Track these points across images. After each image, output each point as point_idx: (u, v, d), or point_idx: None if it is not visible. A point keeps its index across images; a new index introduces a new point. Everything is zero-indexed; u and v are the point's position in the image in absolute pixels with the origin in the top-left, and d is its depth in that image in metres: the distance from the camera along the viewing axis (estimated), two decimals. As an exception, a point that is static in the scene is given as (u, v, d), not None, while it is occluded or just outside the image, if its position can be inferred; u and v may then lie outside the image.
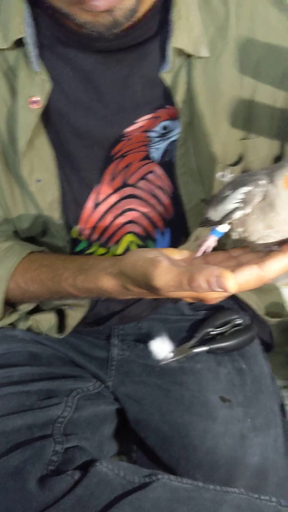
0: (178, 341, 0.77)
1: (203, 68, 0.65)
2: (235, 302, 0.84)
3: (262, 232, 0.51)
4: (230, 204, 0.51)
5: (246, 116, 0.69)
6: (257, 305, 0.86)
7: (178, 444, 0.70)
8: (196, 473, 0.68)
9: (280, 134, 0.70)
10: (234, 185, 0.52)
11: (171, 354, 0.76)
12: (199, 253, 0.54)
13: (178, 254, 0.55)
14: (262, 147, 0.71)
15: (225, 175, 0.56)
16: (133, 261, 0.52)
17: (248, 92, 0.67)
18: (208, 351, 0.77)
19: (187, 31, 0.63)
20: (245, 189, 0.50)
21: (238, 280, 0.48)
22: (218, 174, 0.61)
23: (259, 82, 0.67)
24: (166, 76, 0.65)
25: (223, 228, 0.53)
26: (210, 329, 0.79)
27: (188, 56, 0.64)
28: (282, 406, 0.78)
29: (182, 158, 0.68)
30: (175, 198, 0.73)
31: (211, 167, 0.70)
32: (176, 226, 0.75)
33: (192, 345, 0.77)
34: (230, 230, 0.53)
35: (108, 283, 0.57)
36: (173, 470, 0.69)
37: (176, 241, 0.76)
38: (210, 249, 0.54)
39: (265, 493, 0.65)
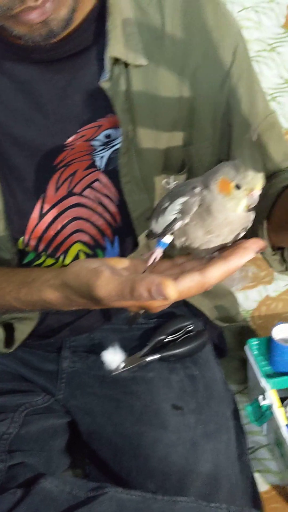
0: (131, 350, 0.77)
1: (142, 76, 0.65)
2: (187, 309, 0.84)
3: (203, 238, 0.51)
4: (169, 215, 0.51)
5: (188, 123, 0.69)
6: (210, 310, 0.86)
7: (129, 454, 0.69)
8: (148, 482, 0.67)
9: (225, 140, 0.71)
10: (171, 196, 0.52)
11: (123, 364, 0.75)
12: (148, 267, 0.54)
13: (122, 263, 0.55)
14: (205, 154, 0.71)
15: (169, 183, 0.55)
16: (75, 272, 0.52)
17: (188, 99, 0.68)
18: (160, 359, 0.76)
19: (123, 40, 0.63)
20: (181, 199, 0.50)
21: (180, 288, 0.47)
22: (163, 182, 0.61)
23: (199, 89, 0.68)
24: (105, 85, 0.64)
25: (167, 239, 0.53)
26: (162, 337, 0.78)
27: (126, 64, 0.64)
28: (236, 411, 0.77)
29: (126, 167, 0.68)
30: (122, 206, 0.72)
31: (154, 175, 0.70)
32: (125, 234, 0.75)
33: (144, 353, 0.77)
34: (173, 240, 0.53)
35: (51, 295, 0.56)
36: (125, 481, 0.68)
37: (126, 249, 0.75)
38: (157, 260, 0.54)
39: (217, 499, 0.64)
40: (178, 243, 0.53)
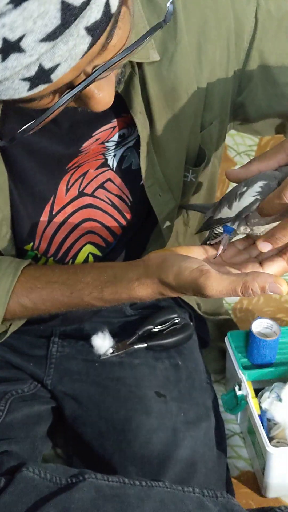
0: (119, 338, 0.76)
1: (156, 73, 0.61)
2: (174, 301, 0.83)
3: (271, 223, 0.52)
4: (248, 197, 0.52)
5: (203, 108, 0.66)
6: (197, 303, 0.85)
7: (113, 438, 0.69)
8: (129, 466, 0.67)
9: (231, 115, 0.70)
10: (247, 182, 0.53)
11: (112, 350, 0.75)
12: (220, 252, 0.55)
13: (192, 252, 0.56)
14: (214, 132, 0.69)
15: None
16: (175, 271, 0.52)
17: (206, 86, 0.64)
18: (147, 348, 0.76)
19: (134, 38, 0.60)
20: (261, 183, 0.52)
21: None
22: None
23: (215, 70, 0.64)
24: (117, 86, 0.61)
25: (235, 224, 0.54)
26: (150, 327, 0.78)
27: (139, 63, 0.61)
28: (216, 400, 0.78)
29: (148, 170, 0.65)
30: (134, 206, 0.69)
31: (177, 173, 0.68)
32: (134, 234, 0.72)
33: (132, 341, 0.76)
34: (238, 226, 0.54)
35: (143, 292, 0.56)
36: (107, 464, 0.68)
37: (135, 251, 0.73)
38: (226, 246, 0.56)
39: (193, 483, 0.65)
40: (242, 229, 0.54)
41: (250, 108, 0.70)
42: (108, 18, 0.40)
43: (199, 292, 0.50)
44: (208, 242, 0.59)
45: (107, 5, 0.40)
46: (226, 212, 0.55)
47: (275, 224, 0.52)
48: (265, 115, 0.71)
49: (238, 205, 0.53)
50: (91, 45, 0.40)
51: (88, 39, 0.40)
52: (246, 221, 0.53)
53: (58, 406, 0.75)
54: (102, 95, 0.47)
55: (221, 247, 0.55)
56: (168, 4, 0.46)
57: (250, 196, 0.52)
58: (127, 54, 0.44)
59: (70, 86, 0.44)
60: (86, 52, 0.41)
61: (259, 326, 0.82)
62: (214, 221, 0.57)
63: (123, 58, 0.44)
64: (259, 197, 0.51)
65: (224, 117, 0.69)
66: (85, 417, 0.71)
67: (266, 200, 0.50)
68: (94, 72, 0.43)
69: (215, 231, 0.58)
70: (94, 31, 0.40)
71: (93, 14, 0.39)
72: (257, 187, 0.51)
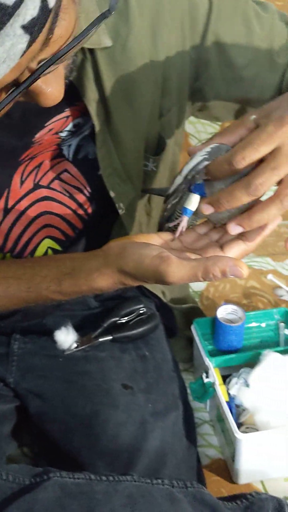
0: (83, 331, 0.74)
1: (109, 59, 0.59)
2: (140, 291, 0.82)
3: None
4: (197, 157, 0.52)
5: (161, 94, 0.64)
6: (163, 292, 0.84)
7: (80, 434, 0.68)
8: (98, 461, 0.66)
9: (189, 100, 0.68)
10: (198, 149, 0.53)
11: (76, 344, 0.73)
12: (177, 234, 0.55)
13: (152, 239, 0.55)
14: (173, 119, 0.68)
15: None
16: (135, 260, 0.51)
17: (162, 71, 0.63)
18: (112, 340, 0.75)
19: (84, 23, 0.57)
20: (213, 144, 0.51)
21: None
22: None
23: (171, 55, 0.63)
24: (70, 75, 0.58)
25: (193, 204, 0.53)
26: (115, 319, 0.76)
27: (90, 49, 0.58)
28: (184, 389, 0.77)
29: (105, 159, 0.63)
30: (93, 196, 0.67)
31: (136, 162, 0.66)
32: (95, 225, 0.70)
33: (97, 334, 0.74)
34: (197, 209, 0.53)
35: (104, 283, 0.55)
36: (75, 460, 0.66)
37: (97, 243, 0.71)
38: (184, 229, 0.55)
39: (164, 475, 0.64)
40: (201, 214, 0.53)
41: (208, 93, 0.69)
42: (46, 14, 0.38)
43: (161, 280, 0.49)
44: (166, 225, 0.57)
45: (43, 0, 0.38)
46: (177, 180, 0.54)
47: (233, 209, 0.51)
48: (224, 99, 0.70)
49: (187, 167, 0.52)
50: (30, 43, 0.38)
51: (26, 38, 0.37)
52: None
53: (22, 405, 0.72)
54: (51, 90, 0.45)
55: (179, 229, 0.54)
56: None
57: (198, 156, 0.51)
58: (71, 49, 0.42)
59: (16, 83, 0.42)
60: (25, 51, 0.38)
61: (224, 312, 0.82)
62: (169, 196, 0.56)
63: (67, 52, 0.42)
64: (206, 157, 0.51)
65: (182, 103, 0.68)
66: (51, 414, 0.69)
67: (216, 161, 0.49)
68: (38, 68, 0.41)
69: (176, 216, 0.57)
70: (32, 28, 0.37)
71: (29, 11, 0.37)
72: (208, 148, 0.51)
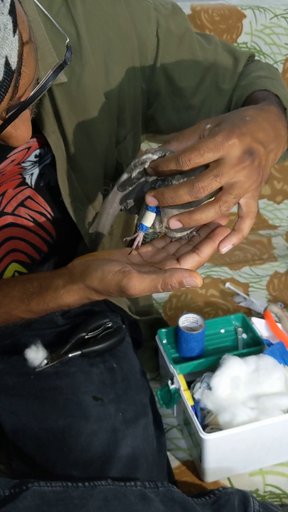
0: (53, 348, 0.77)
1: (65, 94, 0.63)
2: (106, 305, 0.86)
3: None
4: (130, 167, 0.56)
5: (116, 124, 0.69)
6: (128, 305, 0.88)
7: (54, 447, 0.70)
8: (73, 471, 0.69)
9: (143, 128, 0.73)
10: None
11: (46, 361, 0.76)
12: (133, 249, 0.58)
13: (112, 255, 0.58)
14: (129, 145, 0.72)
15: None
16: (99, 276, 0.54)
17: (116, 102, 0.67)
18: (81, 355, 0.78)
19: (40, 61, 0.61)
20: (161, 147, 0.56)
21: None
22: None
23: (124, 86, 0.67)
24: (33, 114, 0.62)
25: (149, 222, 0.57)
26: (83, 334, 0.80)
27: None
28: (152, 397, 0.81)
29: (66, 186, 0.66)
30: (57, 221, 0.70)
31: (96, 188, 0.69)
32: (61, 248, 0.73)
33: (66, 350, 0.78)
34: (153, 225, 0.57)
35: (70, 299, 0.58)
36: (51, 472, 0.69)
37: (62, 263, 0.73)
38: (140, 244, 0.58)
39: (136, 478, 0.68)
40: (158, 227, 0.57)
41: (160, 121, 0.74)
42: (10, 76, 0.43)
43: (123, 293, 0.53)
44: (124, 239, 0.61)
45: (7, 65, 0.42)
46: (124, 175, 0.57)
47: (187, 228, 0.55)
48: (175, 126, 0.75)
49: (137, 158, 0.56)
50: None
51: None
52: (161, 217, 0.56)
53: (-4, 422, 0.75)
54: (19, 132, 0.49)
55: (135, 244, 0.58)
56: (66, 44, 0.48)
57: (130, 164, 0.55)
58: (36, 97, 0.47)
59: None
60: None
61: (185, 321, 0.86)
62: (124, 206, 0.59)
63: (33, 101, 0.47)
64: (153, 150, 0.54)
65: (136, 130, 0.72)
66: (25, 429, 0.72)
67: (164, 159, 0.53)
68: (7, 119, 0.45)
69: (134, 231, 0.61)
70: None
71: None
72: (157, 146, 0.55)
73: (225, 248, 0.54)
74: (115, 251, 0.59)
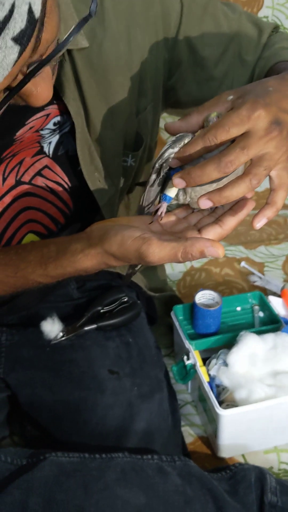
0: (68, 322, 0.76)
1: (86, 59, 0.61)
2: (122, 281, 0.84)
3: (206, 188, 0.53)
4: (165, 145, 0.54)
5: (137, 94, 0.67)
6: (142, 282, 0.87)
7: (69, 419, 0.70)
8: (88, 444, 0.68)
9: (163, 99, 0.71)
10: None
11: (62, 334, 0.75)
12: (156, 218, 0.56)
13: (132, 222, 0.56)
14: (149, 117, 0.70)
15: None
16: (118, 241, 0.52)
17: (138, 72, 0.65)
18: (97, 328, 0.77)
19: (61, 23, 0.59)
20: (181, 134, 0.54)
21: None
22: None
23: (146, 56, 0.65)
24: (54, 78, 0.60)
25: (172, 193, 0.56)
26: (99, 308, 0.79)
27: (69, 49, 0.60)
28: (167, 373, 0.80)
29: (85, 156, 0.64)
30: (75, 192, 0.69)
31: (116, 159, 0.68)
32: (79, 220, 0.72)
33: (81, 323, 0.77)
34: (177, 195, 0.56)
35: (88, 263, 0.56)
36: (65, 445, 0.68)
37: None
38: (163, 214, 0.57)
39: (152, 452, 0.67)
40: (182, 198, 0.56)
41: (181, 92, 0.72)
42: (33, 24, 0.41)
43: (142, 259, 0.51)
44: (147, 209, 0.60)
45: (30, 12, 0.40)
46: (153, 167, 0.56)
47: (210, 188, 0.53)
48: (196, 98, 0.73)
49: (159, 156, 0.55)
50: (20, 53, 0.41)
51: (16, 49, 0.40)
52: (185, 188, 0.55)
53: (12, 394, 0.74)
54: (40, 90, 0.47)
55: (158, 213, 0.57)
56: None
57: (166, 144, 0.54)
58: (58, 52, 0.45)
59: (8, 87, 0.44)
60: (16, 61, 0.41)
61: (202, 297, 0.85)
62: (145, 184, 0.59)
63: (55, 56, 0.45)
64: (171, 144, 0.53)
65: (157, 101, 0.71)
66: (40, 402, 0.71)
67: (189, 141, 0.52)
68: (29, 73, 0.44)
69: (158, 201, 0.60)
70: (21, 39, 0.40)
71: (18, 24, 0.40)
72: (173, 137, 0.54)
73: (259, 223, 0.53)
74: (134, 218, 0.57)
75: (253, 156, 0.50)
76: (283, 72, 0.60)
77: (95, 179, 0.67)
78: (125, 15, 0.63)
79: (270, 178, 0.53)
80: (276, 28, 0.74)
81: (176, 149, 0.54)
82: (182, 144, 0.53)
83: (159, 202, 0.57)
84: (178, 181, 0.52)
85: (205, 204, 0.51)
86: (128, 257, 0.52)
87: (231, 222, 0.54)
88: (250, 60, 0.71)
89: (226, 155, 0.49)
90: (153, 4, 0.65)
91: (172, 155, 0.54)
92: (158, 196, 0.58)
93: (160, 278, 0.92)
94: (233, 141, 0.51)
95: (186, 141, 0.53)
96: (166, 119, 1.23)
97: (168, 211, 0.59)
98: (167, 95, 0.73)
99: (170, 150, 0.54)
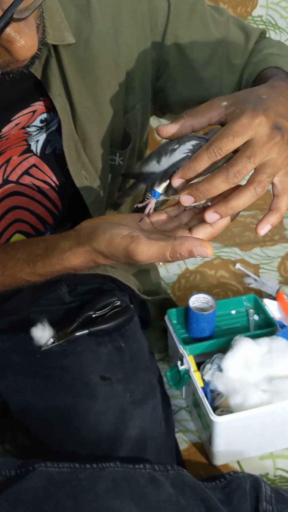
0: (59, 327, 0.75)
1: (72, 55, 0.60)
2: (115, 284, 0.83)
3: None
4: (180, 154, 0.53)
5: (124, 92, 0.66)
6: (136, 285, 0.85)
7: (61, 426, 0.68)
8: (80, 451, 0.67)
9: (152, 100, 0.70)
10: (179, 141, 0.54)
11: (52, 339, 0.74)
12: (144, 215, 0.56)
13: (122, 219, 0.55)
14: (138, 115, 0.69)
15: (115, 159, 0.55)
16: (107, 239, 0.52)
17: (124, 68, 0.64)
18: (89, 334, 0.75)
19: (47, 20, 0.58)
20: (194, 142, 0.54)
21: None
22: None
23: (133, 53, 0.64)
24: (34, 69, 0.59)
25: (161, 189, 0.55)
26: (91, 313, 0.77)
27: (55, 45, 0.59)
28: (161, 378, 0.79)
29: (72, 154, 0.64)
30: (63, 191, 0.68)
31: (103, 157, 0.67)
32: (67, 220, 0.71)
33: (73, 329, 0.75)
34: (166, 193, 0.55)
35: (76, 261, 0.55)
36: (57, 452, 0.67)
37: None
38: (152, 211, 0.56)
39: (144, 461, 0.66)
40: (171, 194, 0.55)
41: (170, 93, 0.71)
42: None
43: (130, 258, 0.51)
44: (136, 205, 0.59)
45: None
46: (153, 166, 0.55)
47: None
48: (186, 99, 0.72)
49: (168, 161, 0.54)
50: None
51: None
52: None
53: (3, 401, 0.73)
54: (24, 38, 0.45)
55: (146, 210, 0.56)
56: None
57: (181, 153, 0.53)
58: None
59: None
60: None
61: (196, 301, 0.84)
62: (139, 176, 0.58)
63: None
64: (190, 154, 0.53)
65: (146, 101, 0.70)
66: (31, 408, 0.70)
67: (193, 159, 0.51)
68: (9, 7, 0.41)
69: (146, 197, 0.59)
70: None
71: None
72: (189, 145, 0.53)
73: (263, 230, 0.52)
74: (125, 216, 0.56)
75: (259, 163, 0.49)
76: (270, 80, 0.60)
77: (81, 177, 0.66)
78: (112, 12, 0.62)
79: (273, 184, 0.52)
80: (262, 33, 0.74)
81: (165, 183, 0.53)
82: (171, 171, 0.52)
83: (146, 199, 0.56)
84: (186, 198, 0.51)
85: (213, 218, 0.50)
86: (116, 255, 0.52)
87: (222, 222, 0.53)
88: (238, 64, 0.71)
89: (233, 165, 0.49)
90: (140, 1, 0.64)
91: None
92: (146, 194, 0.57)
93: (154, 281, 0.91)
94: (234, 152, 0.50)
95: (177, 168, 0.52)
96: (160, 120, 1.22)
97: (156, 210, 0.58)
98: (157, 96, 0.72)
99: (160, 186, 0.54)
